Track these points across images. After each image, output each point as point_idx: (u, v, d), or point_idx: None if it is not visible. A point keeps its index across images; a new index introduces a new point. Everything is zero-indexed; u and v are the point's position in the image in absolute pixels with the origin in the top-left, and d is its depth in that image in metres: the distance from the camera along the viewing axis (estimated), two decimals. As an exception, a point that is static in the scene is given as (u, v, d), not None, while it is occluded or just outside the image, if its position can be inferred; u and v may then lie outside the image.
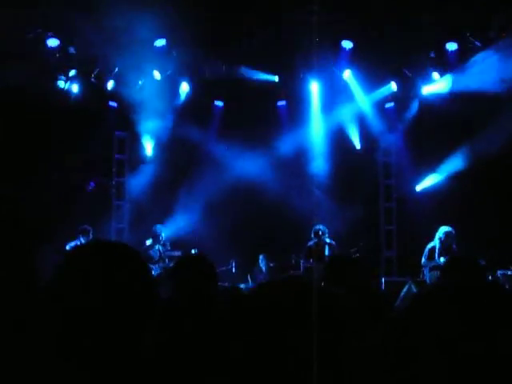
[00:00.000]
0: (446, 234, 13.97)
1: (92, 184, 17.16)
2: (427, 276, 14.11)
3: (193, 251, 15.25)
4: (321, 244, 15.01)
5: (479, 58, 15.49)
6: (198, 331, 4.36)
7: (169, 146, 17.43)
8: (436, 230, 14.42)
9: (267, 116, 17.62)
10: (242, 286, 15.12)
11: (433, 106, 16.83)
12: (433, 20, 14.79)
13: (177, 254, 15.68)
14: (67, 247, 14.80)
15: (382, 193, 17.87)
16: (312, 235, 15.16)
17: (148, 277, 2.09)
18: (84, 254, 2.08)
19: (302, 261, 15.19)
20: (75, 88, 16.75)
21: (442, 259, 13.70)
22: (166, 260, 15.31)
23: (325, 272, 5.61)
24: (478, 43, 15.41)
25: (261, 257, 16.00)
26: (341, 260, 5.83)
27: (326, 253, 14.74)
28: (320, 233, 15.01)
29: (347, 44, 15.56)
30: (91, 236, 15.10)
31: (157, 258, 15.24)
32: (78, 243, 14.76)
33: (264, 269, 15.93)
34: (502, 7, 14.47)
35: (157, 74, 16.63)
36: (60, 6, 13.98)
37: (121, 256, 2.06)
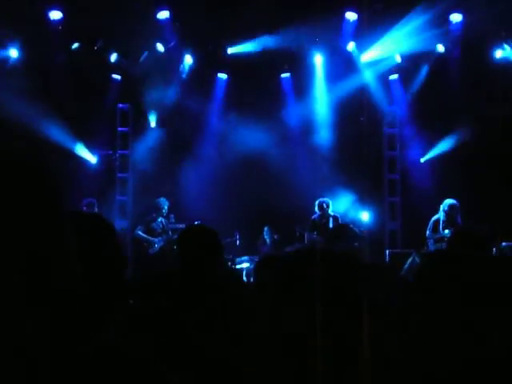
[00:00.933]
0: (451, 206, 13.98)
1: (96, 157, 17.20)
2: (432, 248, 14.12)
3: (196, 223, 15.26)
4: (325, 217, 15.02)
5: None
6: (202, 302, 4.36)
7: (172, 119, 17.41)
8: (440, 202, 14.42)
9: (271, 88, 17.58)
10: (246, 258, 15.17)
11: (437, 78, 16.77)
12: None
13: (180, 226, 15.68)
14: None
15: (387, 164, 17.82)
16: (316, 208, 15.17)
17: (114, 247, 2.09)
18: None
19: (306, 233, 15.19)
20: (79, 60, 16.70)
21: (446, 231, 13.72)
22: (170, 232, 15.35)
23: (326, 240, 5.66)
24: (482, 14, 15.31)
25: (265, 228, 16.02)
26: (341, 228, 5.87)
27: (330, 225, 14.74)
28: (324, 205, 15.02)
29: (351, 16, 15.47)
30: (96, 209, 15.14)
31: (159, 231, 15.28)
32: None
33: (268, 241, 15.96)
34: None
35: (160, 46, 16.57)
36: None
37: (89, 224, 2.07)
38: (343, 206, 16.27)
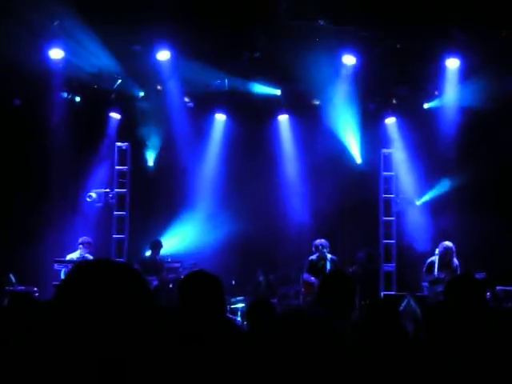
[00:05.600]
0: (446, 248, 14.05)
1: (93, 195, 17.21)
2: (426, 292, 14.15)
3: (191, 263, 15.29)
4: (323, 258, 14.99)
5: (481, 74, 15.55)
6: (204, 349, 4.38)
7: (170, 158, 17.45)
8: (436, 245, 14.51)
9: (269, 129, 17.68)
10: (241, 298, 15.16)
11: (434, 122, 16.87)
12: (435, 36, 14.87)
13: (176, 265, 15.72)
14: (67, 258, 14.87)
15: (383, 206, 17.86)
16: (313, 249, 15.15)
17: (147, 301, 2.14)
18: (84, 274, 2.13)
19: (303, 274, 15.14)
20: (78, 99, 16.82)
21: (440, 274, 13.80)
22: (165, 271, 15.34)
23: (319, 288, 5.67)
24: (478, 60, 15.47)
25: (258, 271, 16.01)
26: (334, 276, 5.91)
27: (328, 268, 14.71)
28: (320, 247, 15.00)
29: (349, 59, 15.57)
30: (92, 247, 15.15)
31: (155, 270, 15.26)
32: (79, 255, 14.84)
33: (263, 283, 15.95)
34: (505, 25, 14.52)
35: (159, 86, 16.68)
36: (66, 19, 14.10)
37: (121, 277, 2.12)
38: (339, 247, 16.30)
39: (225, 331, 4.65)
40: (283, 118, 17.89)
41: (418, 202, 17.54)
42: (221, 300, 4.81)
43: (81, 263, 2.23)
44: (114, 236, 17.53)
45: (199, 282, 4.79)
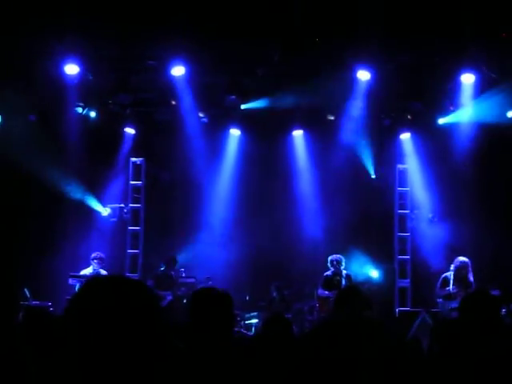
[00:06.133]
0: (462, 263, 14.00)
1: (107, 210, 17.28)
2: (441, 308, 14.09)
3: (206, 277, 15.30)
4: (338, 274, 14.94)
5: (496, 89, 15.51)
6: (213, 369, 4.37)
7: (184, 173, 17.46)
8: (451, 261, 14.45)
9: (283, 144, 17.67)
10: (255, 313, 15.14)
11: (449, 137, 16.83)
12: (450, 51, 14.85)
13: (190, 280, 15.68)
14: (81, 273, 14.90)
15: (397, 222, 17.83)
16: (329, 264, 15.10)
17: (157, 317, 2.14)
18: (93, 290, 2.14)
19: (318, 290, 15.08)
20: (93, 114, 16.85)
21: (453, 288, 13.79)
22: (179, 287, 15.33)
23: (334, 304, 5.68)
24: (494, 75, 15.41)
25: (272, 287, 15.95)
26: (348, 291, 5.91)
27: (343, 283, 14.65)
28: (334, 262, 14.95)
29: (363, 75, 15.52)
30: (104, 262, 15.18)
31: (169, 285, 15.25)
32: (92, 270, 14.88)
33: (277, 298, 15.88)
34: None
35: (174, 101, 16.69)
36: (81, 33, 14.17)
37: (130, 293, 2.12)
38: (354, 263, 16.25)
39: (233, 347, 4.63)
40: (298, 134, 17.86)
41: (433, 218, 17.46)
42: (230, 317, 4.78)
43: (92, 278, 2.23)
44: (129, 251, 17.59)
45: (208, 300, 4.74)
